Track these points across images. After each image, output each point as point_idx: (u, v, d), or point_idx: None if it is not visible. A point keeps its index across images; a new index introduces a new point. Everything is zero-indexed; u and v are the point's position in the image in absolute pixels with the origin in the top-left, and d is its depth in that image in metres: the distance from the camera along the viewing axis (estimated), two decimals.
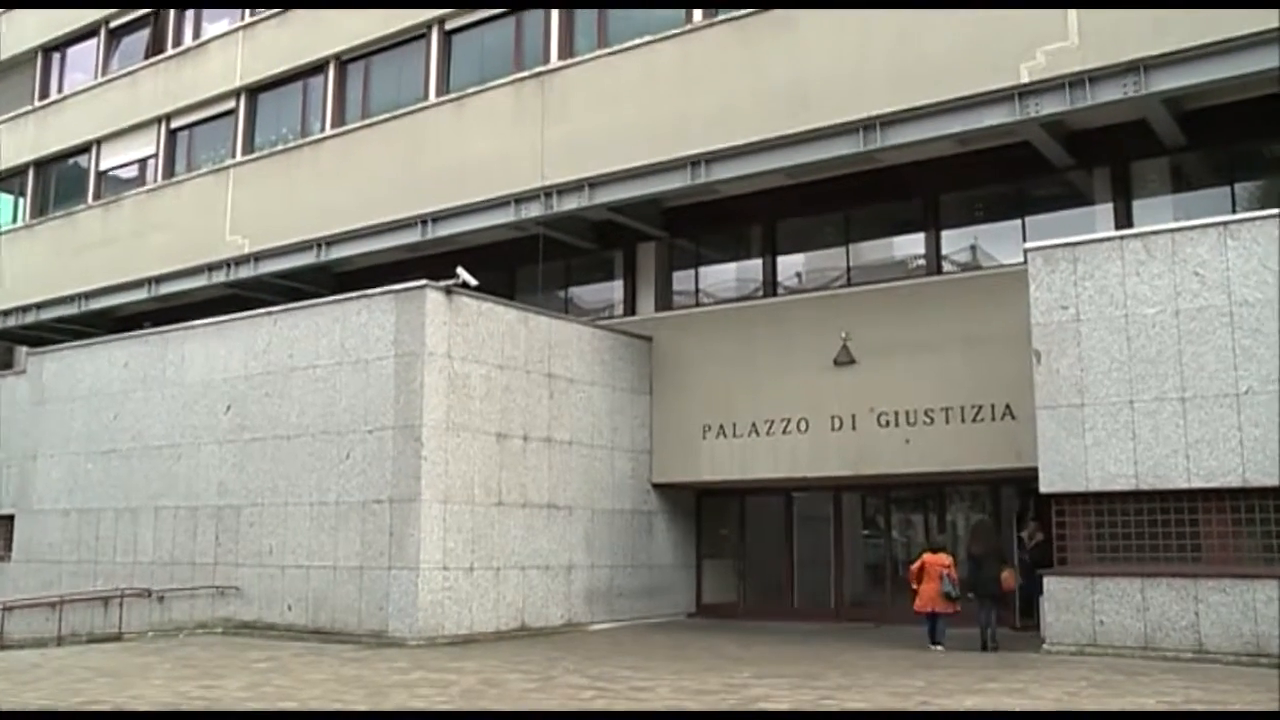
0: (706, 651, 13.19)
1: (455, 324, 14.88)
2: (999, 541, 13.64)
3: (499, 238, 18.86)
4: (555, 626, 15.82)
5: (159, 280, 22.47)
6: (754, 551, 18.84)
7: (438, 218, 18.41)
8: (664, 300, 19.00)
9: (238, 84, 22.45)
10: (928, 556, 14.12)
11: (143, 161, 24.01)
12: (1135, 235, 12.80)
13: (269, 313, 16.55)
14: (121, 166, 24.56)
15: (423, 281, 14.69)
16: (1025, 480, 14.16)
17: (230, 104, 22.62)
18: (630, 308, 19.13)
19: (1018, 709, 8.76)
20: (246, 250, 21.02)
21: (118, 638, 15.10)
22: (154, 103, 23.87)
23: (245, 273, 21.04)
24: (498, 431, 15.32)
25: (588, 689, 9.96)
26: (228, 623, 15.73)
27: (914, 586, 13.92)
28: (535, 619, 15.61)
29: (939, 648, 13.60)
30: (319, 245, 19.98)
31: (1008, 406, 14.93)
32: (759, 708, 8.85)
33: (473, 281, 14.67)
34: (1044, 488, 12.81)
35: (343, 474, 14.88)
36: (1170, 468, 12.22)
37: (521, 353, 15.85)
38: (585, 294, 20.11)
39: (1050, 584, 12.73)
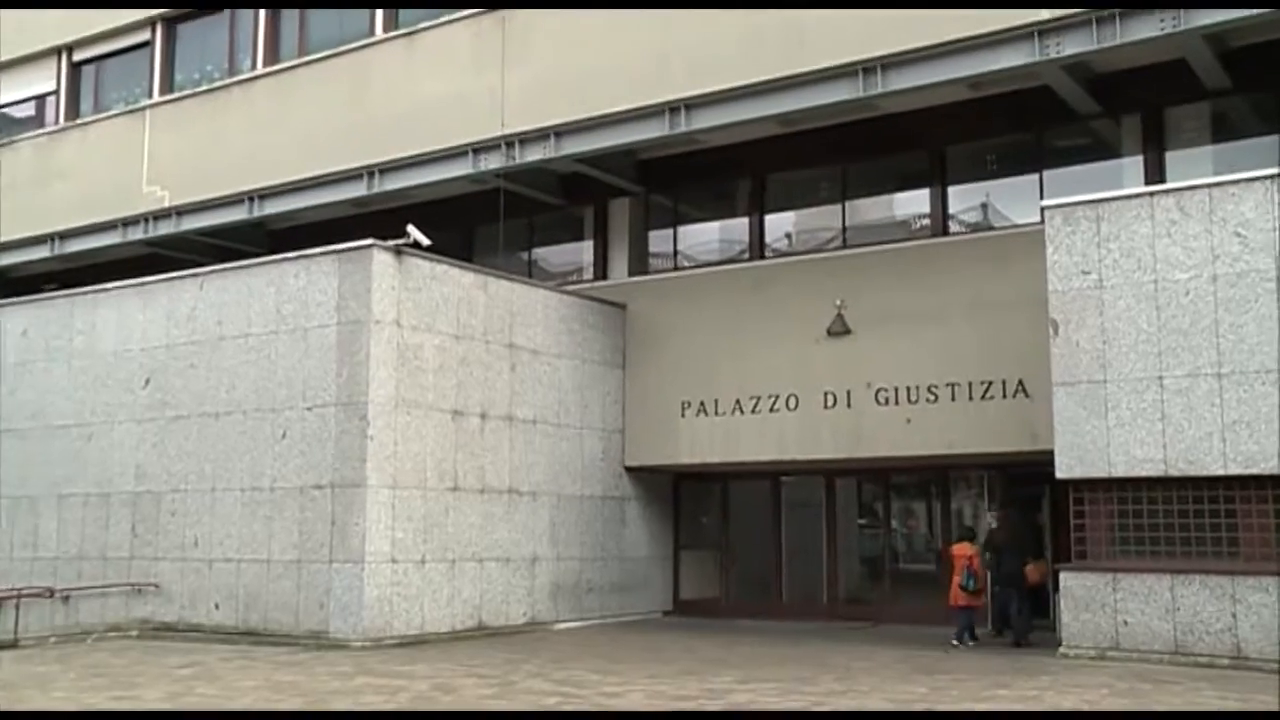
0: (685, 653, 13.29)
1: (406, 288, 14.80)
2: (1025, 531, 13.66)
3: (455, 192, 18.79)
4: (517, 626, 15.85)
5: (64, 236, 21.91)
6: (738, 542, 18.92)
7: (385, 169, 18.22)
8: (639, 263, 18.99)
9: (153, 12, 21.85)
10: (953, 546, 14.23)
11: (41, 99, 23.21)
12: (1168, 191, 12.74)
13: (194, 274, 16.37)
14: (14, 104, 23.74)
15: (369, 241, 14.62)
16: (1040, 465, 14.15)
17: (144, 35, 22.05)
18: (601, 271, 19.13)
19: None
20: (167, 204, 20.60)
21: (13, 644, 14.73)
22: (52, 30, 22.97)
23: (166, 229, 20.68)
24: (453, 408, 15.27)
25: (552, 694, 10.00)
26: (145, 625, 15.59)
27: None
28: (494, 617, 15.62)
29: (960, 645, 13.94)
30: (251, 199, 19.68)
31: (1021, 383, 14.94)
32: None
33: (425, 241, 14.63)
34: (1061, 473, 12.83)
35: (278, 456, 14.79)
36: (1204, 452, 12.20)
37: (480, 321, 15.81)
38: (551, 256, 20.10)
39: (1068, 580, 12.76)
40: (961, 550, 14.29)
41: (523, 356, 16.47)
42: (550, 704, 9.43)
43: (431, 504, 14.87)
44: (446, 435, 15.11)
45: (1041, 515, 16.10)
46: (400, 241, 14.65)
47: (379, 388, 14.34)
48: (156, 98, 21.68)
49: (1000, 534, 14.42)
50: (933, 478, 17.51)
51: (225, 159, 20.12)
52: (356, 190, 18.61)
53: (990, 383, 15.23)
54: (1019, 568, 13.61)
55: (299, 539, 14.48)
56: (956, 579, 14.29)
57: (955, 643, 14.05)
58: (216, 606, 15.09)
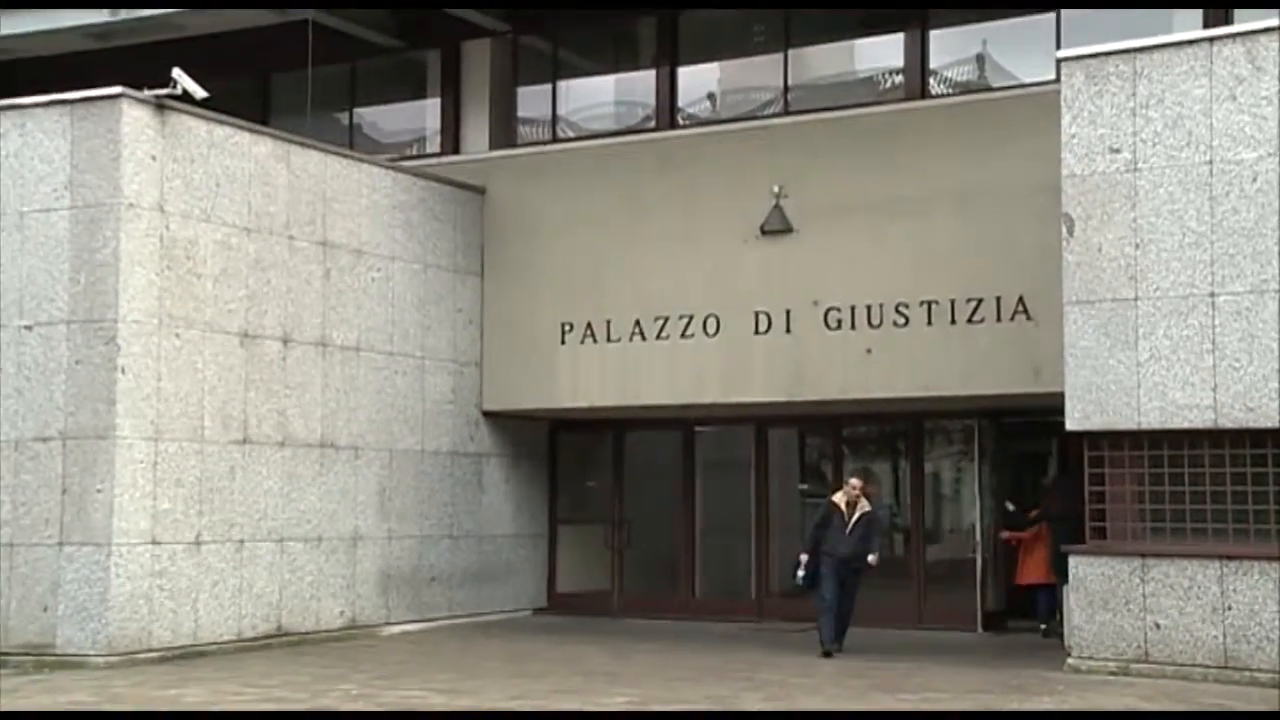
0: (562, 664, 13.55)
1: (172, 159, 14.58)
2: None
3: (243, 24, 18.49)
4: (332, 630, 15.84)
5: None
6: (636, 516, 18.96)
7: None
8: (504, 132, 18.88)
9: None
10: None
11: None
12: (1234, 35, 12.62)
13: None
14: None
15: (117, 89, 14.29)
16: (1046, 412, 14.40)
17: None
18: (452, 142, 19.00)
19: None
20: None
21: None
22: None
23: None
24: (243, 330, 15.14)
25: None
26: None
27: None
28: (300, 619, 15.56)
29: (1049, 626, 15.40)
30: None
31: (1021, 301, 14.94)
32: None
33: (201, 93, 14.44)
34: (1073, 424, 12.88)
35: None
36: (1268, 396, 12.18)
37: (281, 208, 15.63)
38: (383, 119, 19.95)
39: (1080, 568, 12.82)
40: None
41: (341, 259, 16.28)
42: None
43: (211, 462, 14.72)
44: (233, 367, 15.02)
45: (1047, 481, 16.51)
46: (164, 92, 14.36)
47: (133, 300, 14.11)
48: None
49: (1055, 504, 15.07)
50: (901, 429, 17.73)
51: None
52: (97, 15, 18.29)
53: (980, 301, 15.19)
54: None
55: (11, 513, 14.21)
56: (1043, 550, 15.39)
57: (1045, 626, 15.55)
58: None
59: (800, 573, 14.62)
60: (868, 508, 14.66)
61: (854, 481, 14.82)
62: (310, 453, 15.71)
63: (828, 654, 14.11)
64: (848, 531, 14.45)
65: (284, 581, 15.31)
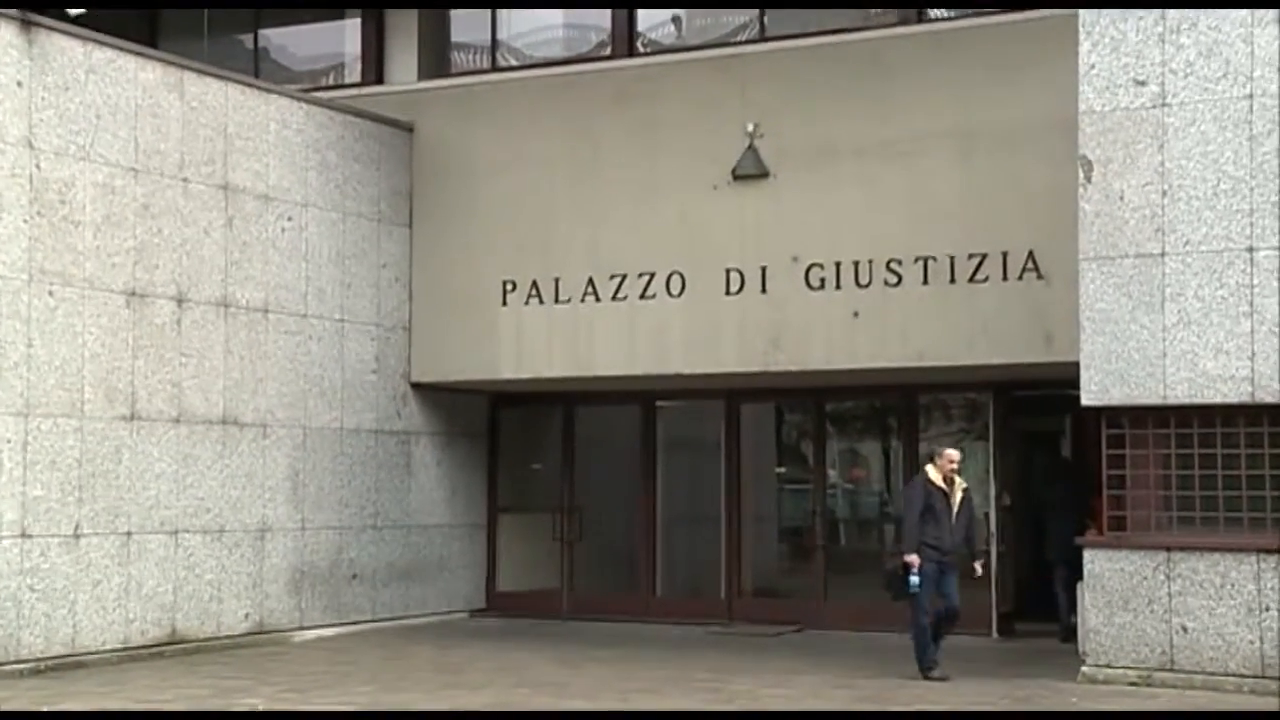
0: (502, 674, 13.72)
1: (42, 86, 14.53)
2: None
3: None
4: (236, 636, 15.93)
5: None
6: (589, 503, 19.13)
7: None
8: (436, 60, 19.00)
9: None
10: None
11: None
12: None
13: None
14: None
15: None
16: (1059, 385, 14.54)
17: None
18: (375, 71, 19.07)
19: None
20: None
21: None
22: None
23: None
24: (130, 288, 15.11)
25: None
26: None
27: None
28: (198, 623, 15.61)
29: None
30: None
31: (1031, 257, 15.03)
32: None
33: (75, 9, 14.73)
34: (1090, 398, 12.96)
35: None
36: None
37: (174, 145, 15.60)
38: (293, 43, 20.06)
39: (1097, 563, 12.94)
40: None
41: (246, 205, 16.30)
42: None
43: (92, 442, 14.70)
44: (118, 331, 14.99)
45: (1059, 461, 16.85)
46: (30, 14, 14.41)
47: None
48: None
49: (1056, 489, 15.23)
50: (893, 404, 17.94)
51: None
52: None
53: (984, 257, 15.26)
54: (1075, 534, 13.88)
55: None
56: None
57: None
58: None
59: (915, 578, 13.10)
60: (964, 485, 13.76)
61: (951, 453, 13.74)
62: (210, 431, 15.67)
63: (944, 677, 13.00)
64: (953, 519, 13.46)
65: (179, 580, 15.27)
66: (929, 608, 13.13)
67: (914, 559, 13.03)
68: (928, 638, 13.14)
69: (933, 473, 13.48)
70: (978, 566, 13.71)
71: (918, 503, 13.38)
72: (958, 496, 13.42)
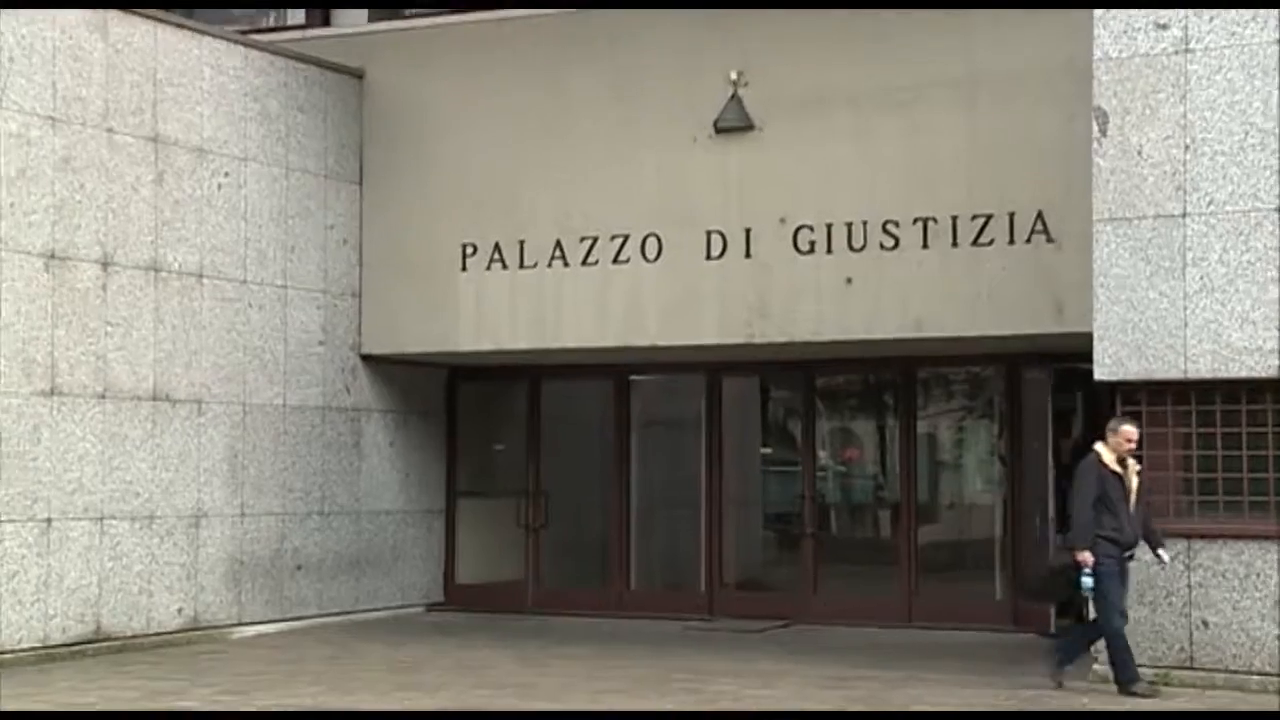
0: (462, 674, 13.79)
1: None
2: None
3: None
4: (167, 633, 15.90)
5: None
6: (557, 487, 19.17)
7: None
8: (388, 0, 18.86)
9: None
10: None
11: None
12: None
13: None
14: None
15: None
16: (1071, 358, 14.74)
17: None
18: (322, 13, 19.04)
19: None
20: None
21: None
22: None
23: None
24: (48, 250, 15.10)
25: None
26: None
27: None
28: (126, 619, 15.56)
29: None
30: None
31: (1040, 218, 15.08)
32: None
33: None
34: (1103, 372, 12.98)
35: None
36: None
37: (97, 92, 15.53)
38: None
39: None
40: None
41: (178, 159, 16.26)
42: None
43: (8, 420, 14.70)
44: (36, 297, 14.96)
45: (1071, 442, 16.54)
46: None
47: None
48: None
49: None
50: (889, 379, 18.02)
51: None
52: None
53: (988, 218, 15.31)
54: None
55: None
56: None
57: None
58: None
59: (1088, 579, 12.35)
60: (1139, 466, 12.81)
61: (1128, 430, 12.66)
62: (139, 407, 15.65)
63: (1151, 691, 12.16)
64: (1131, 507, 12.61)
65: (104, 572, 15.23)
66: (1120, 606, 12.34)
67: (1088, 556, 12.26)
68: (1125, 641, 12.29)
69: (1105, 453, 12.56)
70: (1164, 555, 12.45)
71: (1091, 490, 12.52)
72: (1134, 481, 12.54)
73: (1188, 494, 12.80)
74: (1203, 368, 12.53)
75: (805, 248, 15.98)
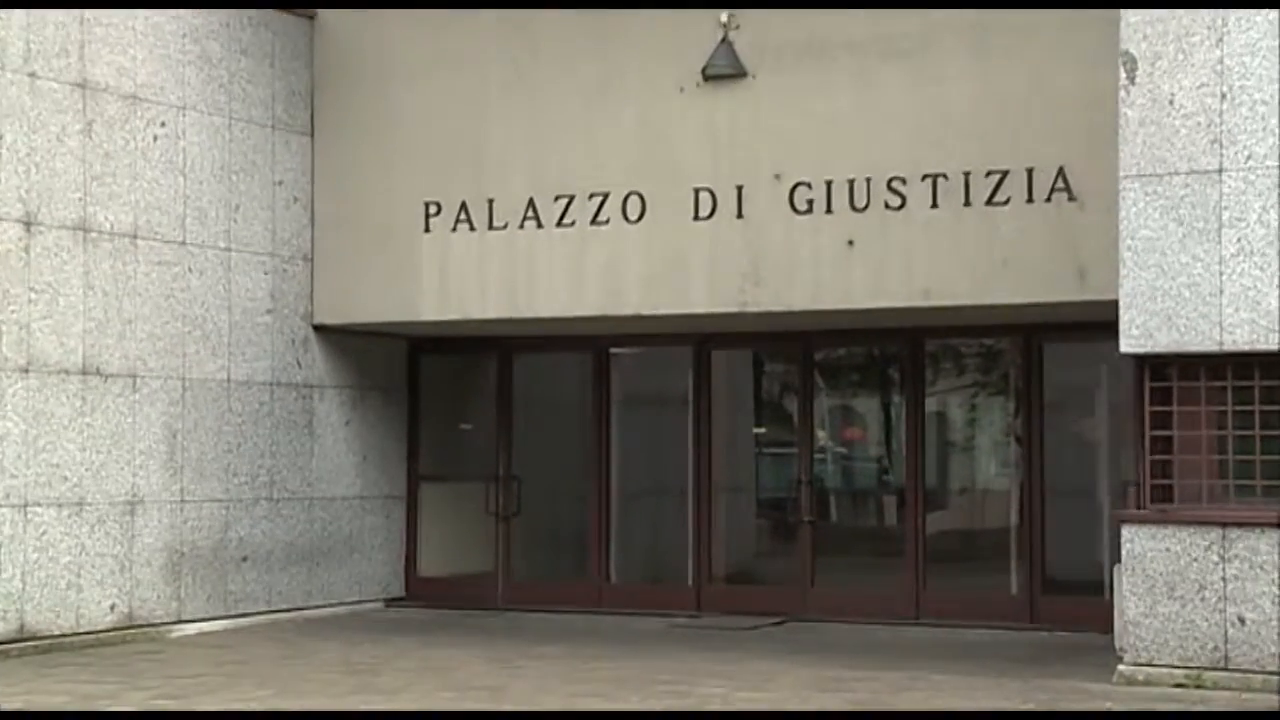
0: (425, 675, 13.82)
1: None
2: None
3: None
4: (100, 630, 15.89)
5: None
6: (530, 471, 19.24)
7: None
8: None
9: None
10: None
11: None
12: None
13: None
14: None
15: None
16: (1094, 330, 14.83)
17: None
18: None
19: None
20: None
21: None
22: None
23: None
24: None
25: None
26: None
27: None
28: (53, 616, 15.57)
29: None
30: None
31: (1061, 174, 15.04)
32: None
33: None
34: (1130, 344, 13.01)
35: None
36: None
37: (16, 33, 15.45)
38: None
39: (1136, 542, 12.97)
40: None
41: (109, 107, 16.19)
42: None
43: None
44: None
45: (1094, 422, 16.78)
46: None
47: None
48: None
49: None
50: (894, 351, 18.07)
51: None
52: None
53: (1004, 174, 15.29)
54: None
55: None
56: None
57: None
58: None
59: None
60: None
61: None
62: (67, 382, 15.62)
63: None
64: None
65: (28, 564, 15.19)
66: None
67: None
68: None
69: None
70: None
71: None
72: None
73: (1223, 478, 12.78)
74: (1240, 339, 12.50)
75: (802, 207, 15.94)
